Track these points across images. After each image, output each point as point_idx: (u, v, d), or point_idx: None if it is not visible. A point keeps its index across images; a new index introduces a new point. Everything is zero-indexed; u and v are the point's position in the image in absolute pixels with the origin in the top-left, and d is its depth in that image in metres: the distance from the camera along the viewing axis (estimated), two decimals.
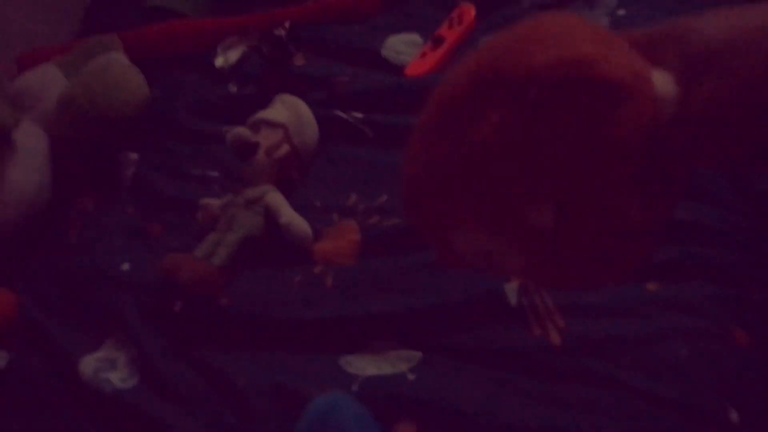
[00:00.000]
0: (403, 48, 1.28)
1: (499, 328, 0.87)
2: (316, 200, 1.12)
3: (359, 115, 1.19)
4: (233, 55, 1.37)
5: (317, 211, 1.10)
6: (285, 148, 1.12)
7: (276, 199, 1.08)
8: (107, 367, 1.04)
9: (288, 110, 1.16)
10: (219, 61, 1.38)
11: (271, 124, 1.13)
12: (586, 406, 0.78)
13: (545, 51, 0.34)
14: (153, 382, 0.99)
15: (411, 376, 0.88)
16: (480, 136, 0.35)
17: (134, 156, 1.34)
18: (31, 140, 1.28)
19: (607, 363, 0.80)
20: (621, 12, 1.15)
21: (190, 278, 1.03)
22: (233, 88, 1.35)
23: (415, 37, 1.30)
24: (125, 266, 1.15)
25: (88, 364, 1.03)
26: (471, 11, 1.25)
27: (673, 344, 0.80)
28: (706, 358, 0.79)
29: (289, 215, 1.06)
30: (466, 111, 0.36)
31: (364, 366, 0.91)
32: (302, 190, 1.14)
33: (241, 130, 1.11)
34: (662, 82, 0.34)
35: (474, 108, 0.36)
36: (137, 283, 1.11)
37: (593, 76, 0.33)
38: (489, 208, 0.36)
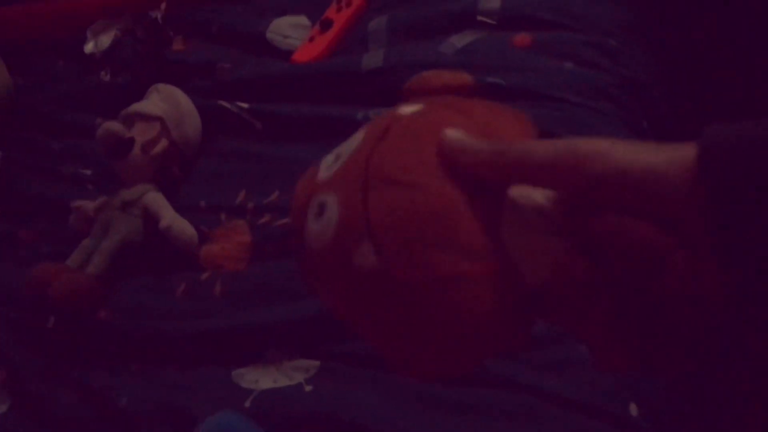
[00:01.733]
0: (290, 31, 1.21)
1: None
2: (201, 199, 1.05)
3: (245, 105, 1.12)
4: (104, 40, 1.28)
5: (202, 211, 1.03)
6: (163, 144, 1.04)
7: (155, 200, 1.00)
8: None
9: (165, 101, 1.07)
10: (89, 47, 1.28)
11: (147, 118, 1.05)
12: (489, 410, 0.76)
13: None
14: (26, 406, 0.91)
15: (308, 387, 0.83)
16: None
17: None
18: None
19: (510, 364, 0.78)
20: None
21: (62, 290, 0.94)
22: (105, 77, 1.25)
23: (302, 19, 1.23)
24: None
25: None
26: None
27: (573, 343, 0.78)
28: None
29: (170, 217, 0.99)
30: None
31: (258, 379, 0.85)
32: (185, 188, 1.07)
33: (113, 125, 1.02)
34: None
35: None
36: (6, 296, 1.02)
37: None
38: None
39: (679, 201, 0.30)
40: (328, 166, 0.38)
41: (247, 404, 0.82)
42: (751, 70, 1.15)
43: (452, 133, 0.36)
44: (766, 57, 1.13)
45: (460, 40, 1.08)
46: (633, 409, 0.75)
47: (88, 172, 1.15)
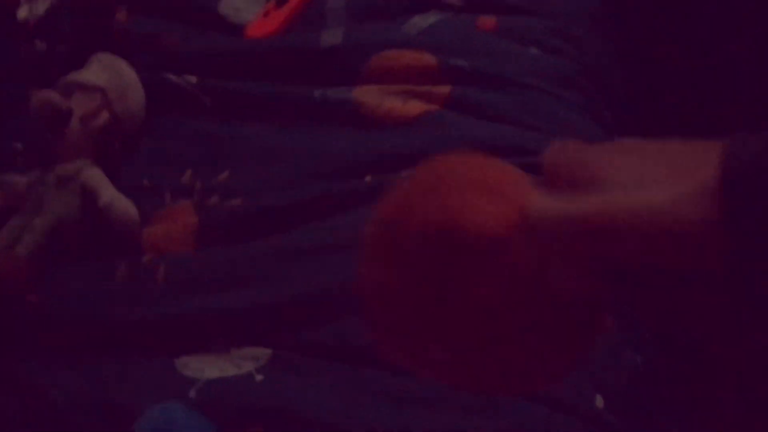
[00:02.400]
0: (243, 5, 1.16)
1: (356, 322, 0.79)
2: (144, 178, 0.98)
3: (193, 80, 1.06)
4: (40, 6, 1.19)
5: (145, 190, 0.97)
6: (104, 116, 0.97)
7: (94, 176, 0.93)
8: None
9: (107, 72, 1.00)
10: (22, 13, 1.19)
11: (87, 88, 0.98)
12: (451, 404, 0.72)
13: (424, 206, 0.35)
14: None
15: (258, 377, 0.78)
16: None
17: None
18: None
19: None
20: None
21: None
22: (41, 46, 1.16)
23: None
24: None
25: None
26: None
27: None
28: None
29: (110, 195, 0.92)
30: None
31: (204, 368, 0.80)
32: (127, 166, 1.00)
33: (49, 94, 0.94)
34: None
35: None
36: None
37: (453, 228, 0.34)
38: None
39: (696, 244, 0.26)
40: None
41: (192, 394, 0.76)
42: (715, 59, 1.15)
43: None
44: (730, 47, 1.13)
45: (423, 21, 1.04)
46: (599, 402, 0.74)
47: (19, 145, 1.06)
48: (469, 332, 0.35)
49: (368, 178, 0.91)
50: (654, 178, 0.28)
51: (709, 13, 1.12)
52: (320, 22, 1.09)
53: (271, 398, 0.75)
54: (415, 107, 0.96)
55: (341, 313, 0.80)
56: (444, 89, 0.97)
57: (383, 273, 0.37)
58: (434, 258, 0.35)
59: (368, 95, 0.98)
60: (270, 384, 0.77)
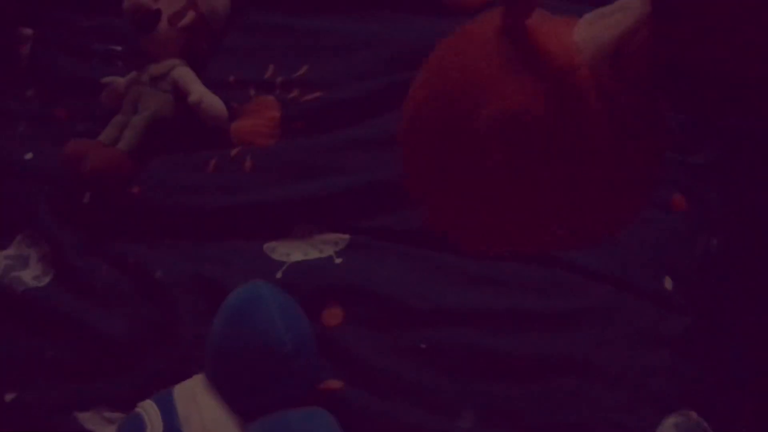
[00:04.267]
0: None
1: None
2: (230, 74, 1.02)
3: None
4: None
5: (231, 86, 1.01)
6: (191, 16, 1.01)
7: (184, 74, 0.98)
8: (18, 265, 0.97)
9: None
10: None
11: None
12: (523, 286, 0.75)
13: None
14: (68, 278, 0.93)
15: (338, 260, 0.83)
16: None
17: (28, 32, 1.20)
18: None
19: None
20: None
21: (95, 166, 0.94)
22: None
23: None
24: (28, 155, 1.05)
25: None
26: None
27: None
28: (643, 226, 0.76)
29: (199, 92, 0.97)
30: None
31: (290, 252, 0.86)
32: (213, 63, 1.04)
33: None
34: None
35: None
36: (42, 173, 1.03)
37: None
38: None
39: None
40: None
41: (279, 275, 0.82)
42: None
43: None
44: None
45: None
46: (668, 283, 0.74)
47: (118, 48, 1.12)
48: (547, 181, 0.36)
49: None
50: None
51: None
52: None
53: (349, 279, 0.80)
54: None
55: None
56: None
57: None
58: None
59: None
60: (348, 266, 0.82)
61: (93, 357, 0.85)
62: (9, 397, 0.84)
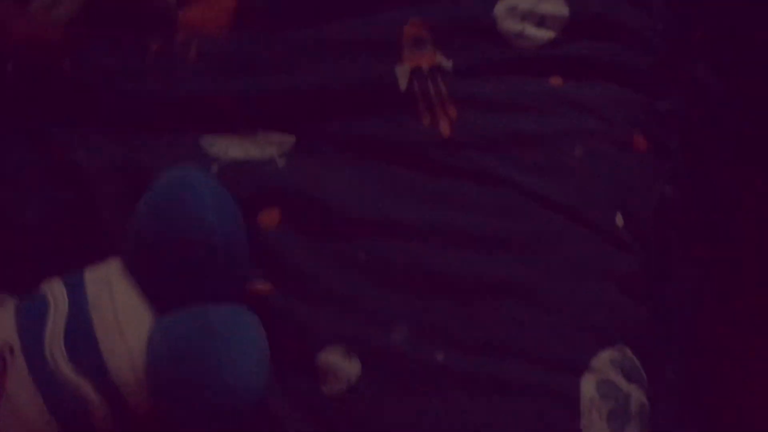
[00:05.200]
0: None
1: (386, 115, 0.77)
2: None
3: None
4: None
5: None
6: None
7: None
8: None
9: None
10: None
11: None
12: (474, 205, 0.72)
13: None
14: None
15: (281, 162, 0.78)
16: None
17: None
18: None
19: (499, 160, 0.73)
20: None
21: (24, 34, 0.86)
22: None
23: None
24: None
25: None
26: None
27: (569, 144, 0.74)
28: (601, 161, 0.74)
29: None
30: None
31: (228, 148, 0.80)
32: None
33: None
34: None
35: None
36: None
37: None
38: None
39: None
40: None
41: (214, 170, 0.77)
42: None
43: None
44: None
45: None
46: (619, 220, 0.72)
47: None
48: None
49: None
50: None
51: None
52: None
53: (291, 181, 0.76)
54: None
55: (371, 106, 0.78)
56: None
57: None
58: None
59: None
60: (291, 169, 0.77)
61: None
62: None
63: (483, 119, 0.75)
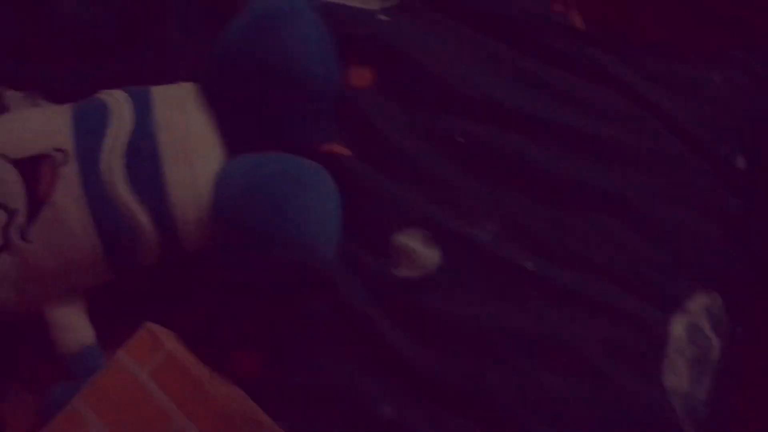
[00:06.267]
0: None
1: None
2: None
3: None
4: None
5: None
6: None
7: None
8: None
9: None
10: None
11: None
12: (589, 106, 0.65)
13: None
14: None
15: (383, 17, 0.69)
16: None
17: None
18: None
19: (630, 67, 0.66)
20: None
21: None
22: None
23: None
24: None
25: None
26: None
27: (707, 69, 0.67)
28: (733, 98, 0.67)
29: None
30: None
31: None
32: None
33: None
34: None
35: None
36: None
37: None
38: None
39: None
40: None
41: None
42: None
43: None
44: None
45: None
46: (740, 162, 0.66)
47: None
48: None
49: None
50: None
51: None
52: None
53: (391, 40, 0.67)
54: None
55: None
56: None
57: None
58: None
59: None
60: (392, 26, 0.68)
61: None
62: None
63: None
